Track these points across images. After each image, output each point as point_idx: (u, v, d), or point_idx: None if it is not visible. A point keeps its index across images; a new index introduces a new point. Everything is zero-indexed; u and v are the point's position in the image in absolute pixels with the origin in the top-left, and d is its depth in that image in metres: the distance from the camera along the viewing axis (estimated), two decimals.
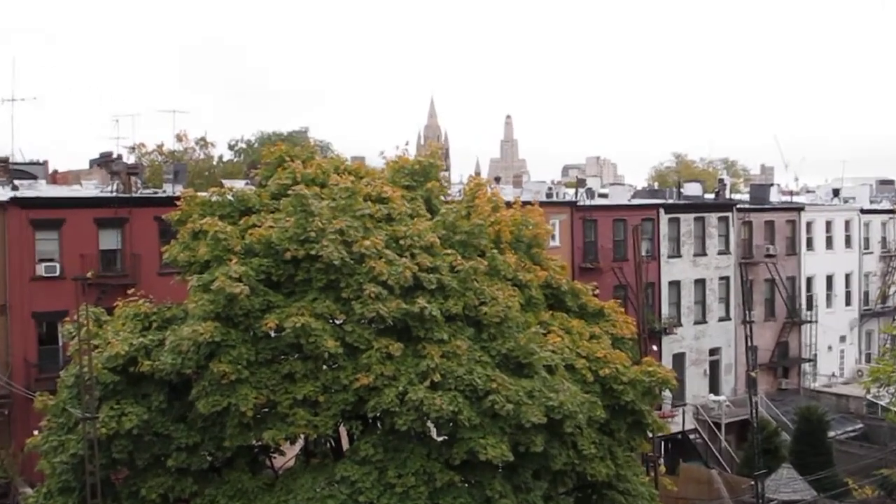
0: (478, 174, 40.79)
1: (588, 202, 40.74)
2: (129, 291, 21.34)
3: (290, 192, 20.01)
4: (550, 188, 42.36)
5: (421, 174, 23.08)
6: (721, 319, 45.73)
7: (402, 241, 20.08)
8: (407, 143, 24.61)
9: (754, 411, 37.89)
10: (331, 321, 19.29)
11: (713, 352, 45.55)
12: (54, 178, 35.07)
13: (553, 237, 35.70)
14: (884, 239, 53.46)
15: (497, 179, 47.63)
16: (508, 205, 24.71)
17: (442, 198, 23.24)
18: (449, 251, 20.60)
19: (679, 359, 43.07)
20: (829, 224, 50.39)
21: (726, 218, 45.51)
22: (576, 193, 41.93)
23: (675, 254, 43.79)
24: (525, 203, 25.81)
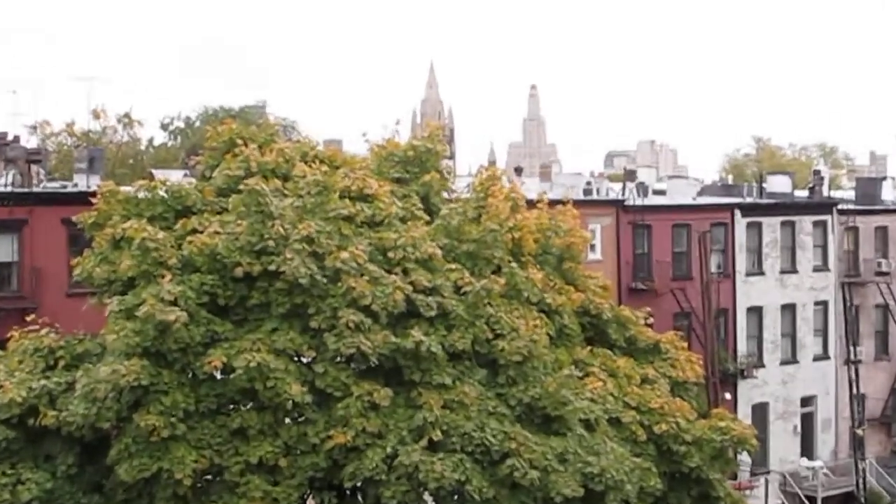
0: (492, 164, 40.34)
1: (639, 201, 40.64)
2: (28, 318, 21.53)
3: (242, 186, 20.29)
4: (589, 182, 42.13)
5: (416, 163, 23.40)
6: (817, 358, 44.75)
7: (390, 253, 20.39)
8: (398, 123, 24.86)
9: (861, 481, 37.57)
10: (296, 359, 19.54)
11: (806, 402, 44.34)
12: None
13: (592, 247, 35.64)
14: None
15: (518, 171, 47.59)
16: (532, 204, 24.76)
17: (444, 194, 23.66)
18: (453, 266, 20.92)
19: (760, 411, 42.48)
20: None
21: (824, 222, 45.30)
22: (623, 189, 41.73)
23: (756, 270, 43.48)
24: (555, 202, 26.01)
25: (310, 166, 21.48)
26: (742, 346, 42.92)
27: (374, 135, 24.61)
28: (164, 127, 62.41)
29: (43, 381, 19.15)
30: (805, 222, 45.42)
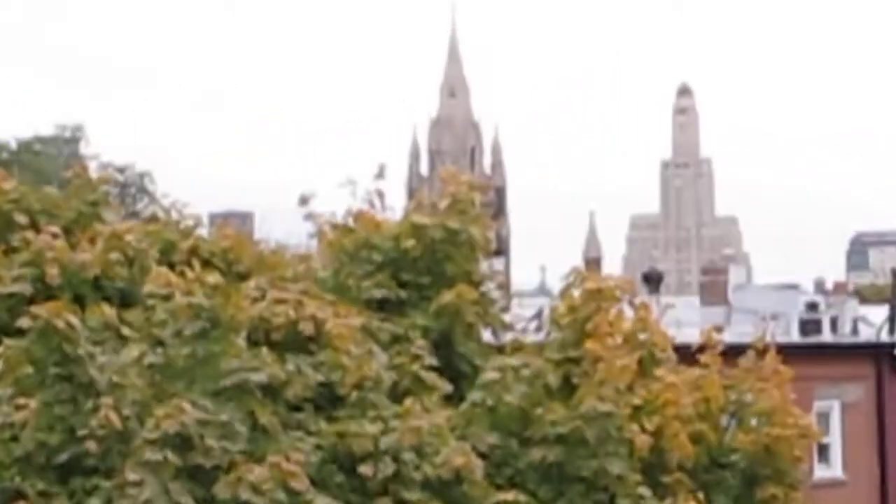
0: (593, 263, 40.33)
1: None
2: None
3: (27, 320, 20.41)
4: (814, 305, 42.81)
5: (421, 266, 24.39)
6: None
7: (365, 468, 20.74)
8: (380, 173, 25.21)
9: None
10: None
11: None
12: None
13: (823, 452, 35.57)
14: None
15: (652, 279, 47.21)
16: (688, 355, 24.91)
17: (486, 335, 24.47)
18: (510, 496, 21.18)
19: None
20: None
21: None
22: (891, 320, 42.13)
23: None
24: (736, 350, 25.91)
25: (181, 274, 21.42)
26: None
27: (325, 201, 25.04)
28: None
29: None
30: None
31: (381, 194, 24.79)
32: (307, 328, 21.41)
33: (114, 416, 19.31)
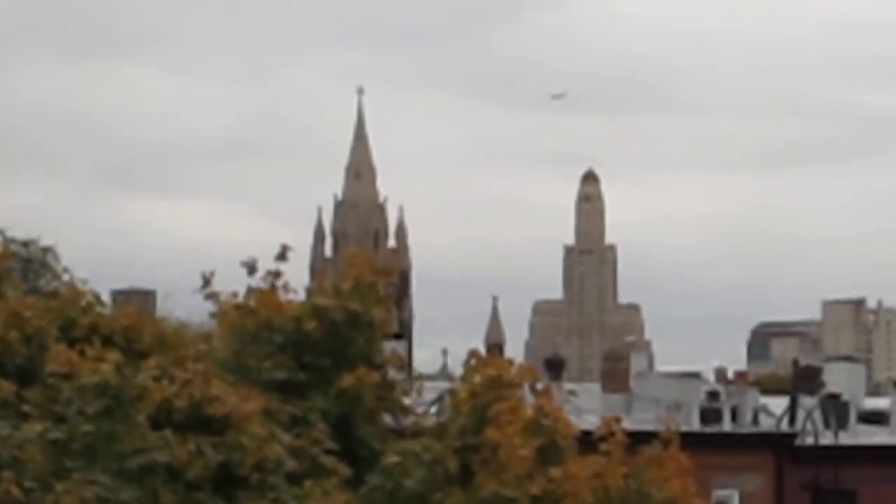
0: (495, 349, 40.40)
1: (828, 438, 41.36)
2: None
3: None
4: (715, 393, 42.90)
5: (322, 348, 24.16)
6: None
7: None
8: (284, 254, 25.07)
9: None
10: None
11: None
12: None
13: None
14: None
15: (554, 366, 47.84)
16: (589, 443, 24.89)
17: (387, 419, 24.41)
18: None
19: None
20: None
21: None
22: (791, 412, 42.43)
23: None
24: (638, 437, 26.03)
25: (81, 352, 21.33)
26: None
27: (228, 281, 25.07)
28: None
29: None
30: None
31: (280, 276, 24.91)
32: (213, 409, 21.41)
33: (15, 490, 19.20)
